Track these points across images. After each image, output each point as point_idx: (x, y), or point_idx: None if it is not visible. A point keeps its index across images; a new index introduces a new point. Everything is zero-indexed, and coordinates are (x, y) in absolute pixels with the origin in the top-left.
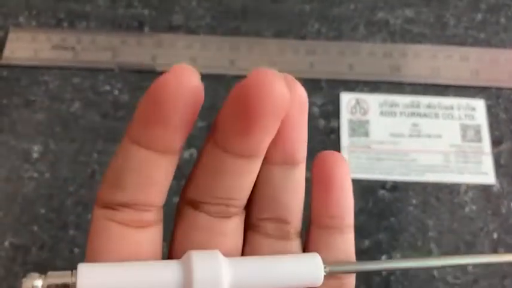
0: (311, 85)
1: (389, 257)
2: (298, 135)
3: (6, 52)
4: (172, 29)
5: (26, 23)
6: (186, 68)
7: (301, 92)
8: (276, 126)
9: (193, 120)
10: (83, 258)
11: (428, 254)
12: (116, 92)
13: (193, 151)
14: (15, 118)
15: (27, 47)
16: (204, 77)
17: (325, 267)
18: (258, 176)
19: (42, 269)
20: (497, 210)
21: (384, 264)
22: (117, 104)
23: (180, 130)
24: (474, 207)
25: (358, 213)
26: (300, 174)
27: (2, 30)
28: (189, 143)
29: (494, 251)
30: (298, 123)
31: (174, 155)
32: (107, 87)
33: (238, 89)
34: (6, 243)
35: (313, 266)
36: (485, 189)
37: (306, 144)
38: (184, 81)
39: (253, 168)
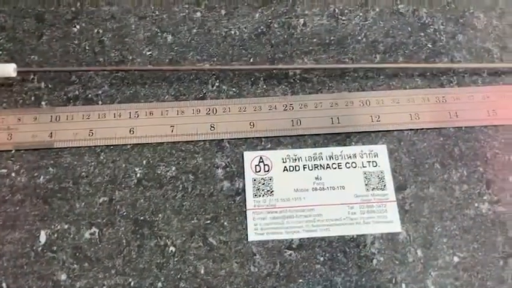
0: (214, 146)
1: None
2: None
3: None
4: (69, 100)
5: None
6: None
7: None
8: None
9: None
10: None
11: None
12: (13, 175)
13: (95, 230)
14: None
15: None
16: (103, 149)
17: None
18: None
19: None
20: (405, 259)
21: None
22: (14, 187)
23: None
24: (382, 259)
25: (265, 277)
26: None
27: None
28: (90, 222)
29: None
30: None
31: None
32: (3, 171)
33: None
34: None
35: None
36: (392, 238)
37: None
38: None
39: None
